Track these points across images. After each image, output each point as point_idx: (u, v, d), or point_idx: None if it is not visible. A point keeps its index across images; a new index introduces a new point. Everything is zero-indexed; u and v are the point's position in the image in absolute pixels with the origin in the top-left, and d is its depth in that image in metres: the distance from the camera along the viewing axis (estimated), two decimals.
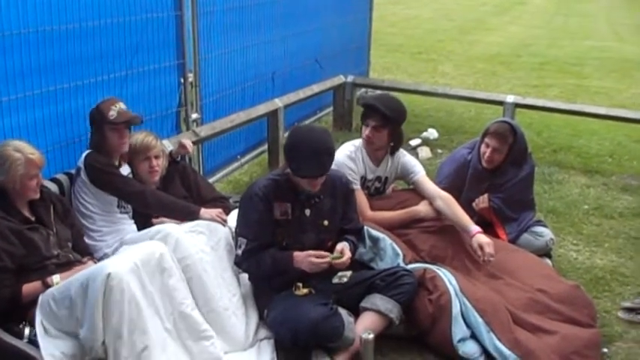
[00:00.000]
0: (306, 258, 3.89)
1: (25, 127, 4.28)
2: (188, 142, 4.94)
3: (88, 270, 3.48)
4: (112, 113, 4.27)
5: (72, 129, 4.66)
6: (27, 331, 3.55)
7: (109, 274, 3.29)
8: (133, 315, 3.35)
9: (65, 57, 4.52)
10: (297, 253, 3.93)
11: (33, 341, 3.47)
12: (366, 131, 4.72)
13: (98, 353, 3.34)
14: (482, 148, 5.01)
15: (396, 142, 4.83)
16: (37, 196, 3.82)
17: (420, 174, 4.89)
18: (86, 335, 3.34)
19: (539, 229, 5.05)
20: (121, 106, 4.34)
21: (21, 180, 3.69)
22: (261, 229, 4.00)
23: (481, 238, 4.39)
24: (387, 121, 4.68)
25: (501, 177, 5.02)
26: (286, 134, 7.29)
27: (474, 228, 4.47)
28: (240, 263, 4.09)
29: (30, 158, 3.70)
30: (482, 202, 4.99)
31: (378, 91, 9.32)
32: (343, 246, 4.06)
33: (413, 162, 4.96)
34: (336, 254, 3.96)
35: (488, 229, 4.85)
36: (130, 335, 3.34)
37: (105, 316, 3.30)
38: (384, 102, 4.75)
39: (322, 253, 3.92)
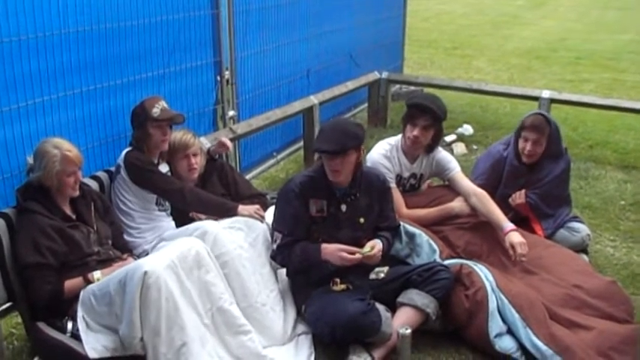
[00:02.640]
0: (336, 252, 3.91)
1: (65, 125, 4.35)
2: (227, 141, 4.98)
3: (125, 268, 3.51)
4: (156, 110, 4.32)
5: (111, 127, 4.73)
6: (69, 325, 3.63)
7: (145, 272, 3.32)
8: (171, 312, 3.39)
9: (104, 56, 4.59)
10: (325, 245, 3.96)
11: (75, 335, 3.55)
12: (413, 131, 4.71)
13: (137, 349, 3.38)
14: (521, 143, 4.99)
15: (436, 140, 4.85)
16: (76, 193, 3.88)
17: (455, 170, 4.90)
18: (125, 332, 3.38)
19: (576, 224, 5.02)
20: (164, 104, 4.40)
21: (57, 176, 3.75)
22: (296, 224, 4.05)
23: (513, 236, 4.38)
24: (437, 120, 4.73)
25: (538, 172, 5.00)
26: None
27: (508, 225, 4.47)
28: (275, 257, 4.14)
29: (66, 155, 3.75)
30: (518, 197, 4.97)
31: (412, 88, 9.37)
32: (374, 242, 4.07)
33: (448, 158, 4.97)
34: (366, 249, 3.97)
35: (524, 224, 4.86)
36: (168, 332, 3.37)
37: (142, 314, 3.33)
38: (432, 101, 4.78)
39: (353, 248, 3.94)
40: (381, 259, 4.06)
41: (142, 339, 3.36)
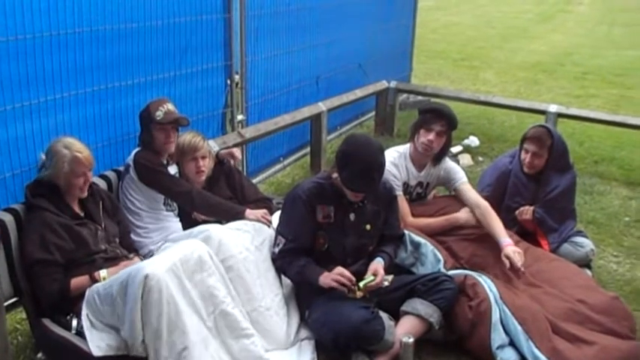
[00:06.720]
0: (332, 275, 3.89)
1: (76, 123, 4.38)
2: (238, 154, 5.06)
3: (128, 269, 3.49)
4: (159, 113, 4.35)
5: (121, 127, 4.75)
6: (74, 322, 3.63)
7: (146, 275, 3.30)
8: (172, 315, 3.38)
9: (117, 57, 4.62)
10: (326, 273, 3.94)
11: (80, 332, 3.54)
12: (428, 136, 4.71)
13: (139, 351, 3.38)
14: (522, 154, 5.04)
15: (445, 149, 4.86)
16: (84, 195, 3.89)
17: (462, 181, 4.91)
18: (126, 334, 3.38)
19: (580, 239, 5.02)
20: (169, 106, 4.41)
21: (65, 177, 3.77)
22: (301, 231, 4.05)
23: (508, 249, 4.39)
24: (450, 127, 4.75)
25: (545, 185, 5.01)
26: (329, 137, 7.39)
27: (505, 240, 4.47)
28: (275, 260, 4.15)
29: (76, 156, 3.76)
30: (525, 213, 4.98)
31: (419, 97, 9.39)
32: (376, 266, 4.07)
33: (456, 169, 4.98)
34: (368, 278, 3.95)
35: (529, 237, 4.88)
36: (169, 335, 3.36)
37: (144, 317, 3.32)
38: (445, 108, 4.83)
39: (352, 279, 3.90)
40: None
41: (143, 341, 3.36)
